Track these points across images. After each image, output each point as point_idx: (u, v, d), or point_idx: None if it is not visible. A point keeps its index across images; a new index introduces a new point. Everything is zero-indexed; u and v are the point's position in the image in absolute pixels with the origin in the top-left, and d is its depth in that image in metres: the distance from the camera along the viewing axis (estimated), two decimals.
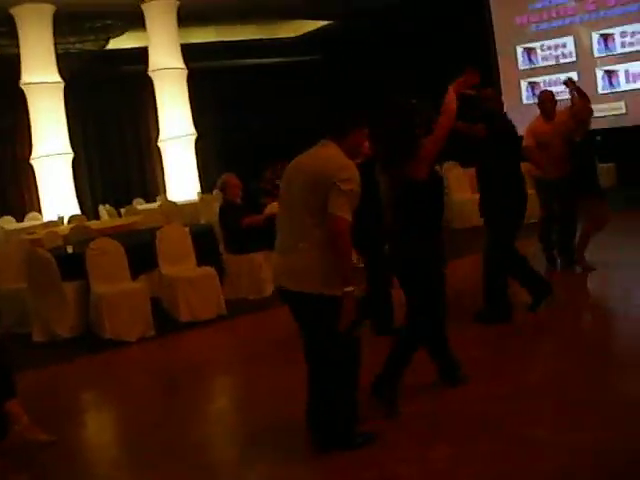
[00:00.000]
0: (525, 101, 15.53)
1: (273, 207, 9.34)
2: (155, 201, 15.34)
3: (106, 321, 7.24)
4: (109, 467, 4.58)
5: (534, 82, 15.38)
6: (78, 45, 15.59)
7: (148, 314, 7.40)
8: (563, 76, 14.79)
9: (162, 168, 16.00)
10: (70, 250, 8.08)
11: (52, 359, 7.00)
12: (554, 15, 14.93)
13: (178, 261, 8.03)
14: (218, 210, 8.88)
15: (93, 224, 11.20)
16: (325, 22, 18.13)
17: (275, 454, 4.27)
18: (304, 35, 18.93)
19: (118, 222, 11.07)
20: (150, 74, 15.37)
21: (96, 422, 5.57)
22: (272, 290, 8.51)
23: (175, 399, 5.59)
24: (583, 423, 4.11)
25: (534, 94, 15.20)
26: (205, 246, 8.49)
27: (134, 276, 7.81)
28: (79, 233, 9.90)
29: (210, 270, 7.90)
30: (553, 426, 4.14)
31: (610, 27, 14.09)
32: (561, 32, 14.86)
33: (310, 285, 3.90)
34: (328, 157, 3.95)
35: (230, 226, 8.55)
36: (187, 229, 8.36)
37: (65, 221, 12.73)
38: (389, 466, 3.91)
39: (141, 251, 8.04)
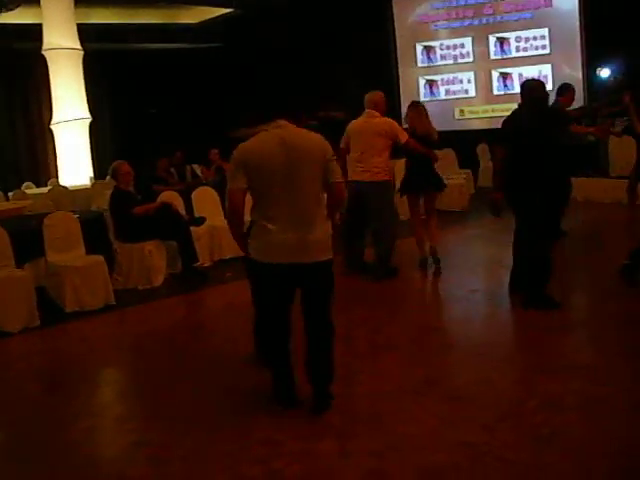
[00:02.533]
0: (422, 98, 15.80)
1: (165, 196, 9.23)
2: (46, 186, 14.84)
3: None
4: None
5: (432, 80, 15.69)
6: None
7: (32, 304, 7.12)
8: (461, 75, 15.23)
9: (55, 152, 15.47)
10: None
11: None
12: (454, 16, 15.26)
13: (66, 249, 7.80)
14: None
15: None
16: (226, 10, 17.90)
17: (159, 451, 4.19)
18: (205, 22, 18.67)
19: (5, 206, 10.63)
20: (44, 53, 14.84)
21: None
22: (162, 280, 8.46)
23: (58, 391, 5.42)
24: (458, 419, 4.22)
25: (432, 92, 15.55)
26: (95, 234, 8.28)
27: (19, 264, 7.52)
28: None
29: (99, 259, 7.70)
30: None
31: (506, 32, 14.53)
32: (460, 33, 15.21)
33: (329, 253, 4.33)
34: (313, 136, 4.31)
35: (121, 214, 8.37)
36: (76, 216, 8.11)
37: None
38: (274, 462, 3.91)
39: (27, 238, 7.74)
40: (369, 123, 7.64)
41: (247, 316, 5.37)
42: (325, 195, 4.41)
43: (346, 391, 4.70)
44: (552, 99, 8.33)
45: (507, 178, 6.29)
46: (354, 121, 7.79)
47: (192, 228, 8.74)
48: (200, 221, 8.92)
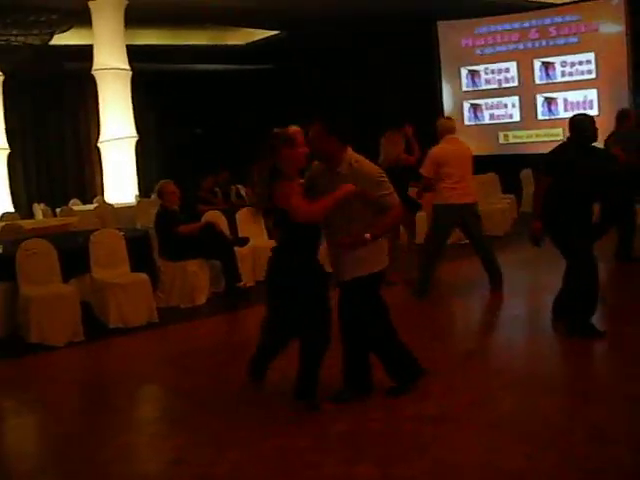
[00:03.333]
0: (467, 122, 15.78)
1: (210, 215, 9.31)
2: (92, 203, 15.07)
3: (33, 324, 7.05)
4: (26, 478, 4.45)
5: (476, 104, 15.65)
6: (20, 38, 15.22)
7: (77, 319, 7.25)
8: (505, 100, 15.19)
9: (101, 170, 15.71)
10: (0, 250, 7.87)
11: None
12: (499, 40, 15.23)
13: (111, 266, 7.91)
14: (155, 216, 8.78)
15: (26, 223, 10.94)
16: (273, 32, 18.09)
17: (198, 469, 4.20)
18: (251, 43, 18.88)
19: (52, 222, 10.84)
20: (94, 73, 15.11)
21: (16, 430, 5.37)
22: (205, 299, 8.53)
23: (99, 407, 5.48)
24: (502, 446, 4.17)
25: (476, 116, 15.51)
26: (140, 251, 8.38)
27: (65, 279, 7.65)
28: (11, 232, 9.68)
29: (143, 276, 7.79)
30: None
31: (551, 56, 14.46)
32: (505, 57, 15.17)
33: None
34: None
35: (166, 232, 8.48)
36: (122, 234, 8.22)
37: None
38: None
39: (74, 254, 7.88)
40: (462, 148, 8.04)
41: None
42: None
43: (389, 415, 4.68)
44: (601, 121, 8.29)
45: (547, 208, 6.26)
46: (441, 147, 7.93)
47: (236, 248, 8.80)
48: (244, 242, 8.97)
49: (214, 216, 9.34)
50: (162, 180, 8.92)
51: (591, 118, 6.37)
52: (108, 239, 8.02)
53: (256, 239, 9.30)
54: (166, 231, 8.45)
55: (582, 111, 13.76)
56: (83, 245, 7.91)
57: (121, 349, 7.06)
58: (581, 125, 6.22)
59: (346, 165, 4.74)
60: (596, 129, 6.27)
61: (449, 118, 8.31)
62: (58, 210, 13.36)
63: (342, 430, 4.52)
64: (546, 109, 14.62)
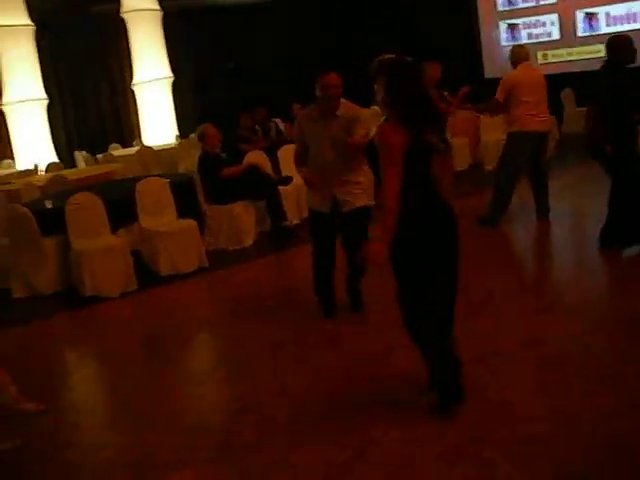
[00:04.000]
0: (504, 43, 15.43)
1: (252, 157, 9.33)
2: (132, 146, 15.16)
3: (87, 278, 7.22)
4: (96, 430, 4.64)
5: (513, 24, 15.27)
6: None
7: (129, 269, 7.40)
8: (543, 18, 14.77)
9: (137, 112, 15.74)
10: (49, 205, 8.00)
11: (33, 316, 7.01)
12: None
13: (158, 214, 8.01)
14: (197, 159, 8.83)
15: (70, 173, 11.08)
16: None
17: (263, 419, 4.33)
18: None
19: (95, 171, 10.94)
20: (123, 15, 15.02)
21: (80, 385, 5.57)
22: (252, 241, 8.62)
23: (159, 358, 5.63)
24: (556, 384, 4.22)
25: (513, 36, 15.15)
26: (185, 197, 8.47)
27: (114, 230, 7.79)
28: (56, 184, 9.83)
29: (190, 222, 7.89)
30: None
31: None
32: None
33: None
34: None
35: (209, 177, 8.53)
36: (166, 181, 8.29)
37: (41, 169, 12.58)
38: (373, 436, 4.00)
39: (121, 204, 8.00)
40: (537, 74, 7.98)
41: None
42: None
43: None
44: None
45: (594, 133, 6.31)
46: (516, 73, 7.82)
47: (280, 187, 8.84)
48: (287, 180, 8.99)
49: (256, 156, 9.36)
50: (202, 124, 8.91)
51: (627, 38, 6.28)
52: (153, 187, 8.11)
53: (299, 177, 9.27)
54: (210, 175, 8.50)
55: (626, 26, 13.45)
56: (129, 194, 8.01)
57: (174, 297, 7.19)
58: (615, 45, 6.23)
59: (343, 109, 5.41)
60: (634, 50, 6.19)
61: (522, 46, 8.21)
62: (99, 156, 13.47)
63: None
64: (587, 25, 14.18)
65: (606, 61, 6.30)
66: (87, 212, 7.57)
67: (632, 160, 6.32)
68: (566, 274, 6.46)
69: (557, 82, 13.55)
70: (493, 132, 11.17)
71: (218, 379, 5.14)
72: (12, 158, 14.28)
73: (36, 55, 14.08)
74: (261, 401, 4.55)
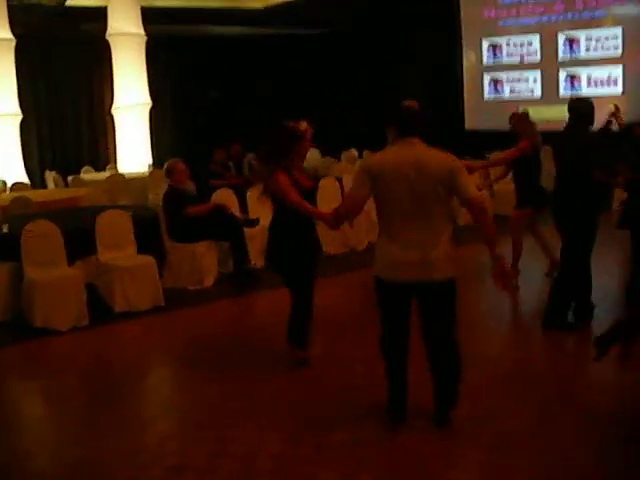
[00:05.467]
0: (486, 96, 15.47)
1: (219, 196, 9.16)
2: (105, 170, 14.93)
3: (37, 308, 7.00)
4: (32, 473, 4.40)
5: (496, 78, 15.31)
6: None
7: (82, 303, 7.18)
8: (527, 74, 14.82)
9: (114, 137, 15.53)
10: (5, 229, 7.77)
11: None
12: (523, 12, 14.82)
13: (117, 247, 7.79)
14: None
15: (36, 195, 10.83)
16: None
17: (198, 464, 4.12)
18: (270, 7, 18.46)
19: (61, 196, 10.70)
20: (108, 38, 14.87)
21: (17, 424, 5.31)
22: (213, 281, 8.42)
23: (103, 400, 5.41)
24: (504, 469, 4.05)
25: (496, 90, 15.19)
26: (147, 232, 8.26)
27: (71, 261, 7.56)
28: (19, 206, 9.59)
29: (149, 259, 7.68)
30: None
31: (576, 29, 14.04)
32: (528, 30, 14.76)
33: (444, 272, 4.28)
34: (435, 152, 4.32)
35: (174, 213, 8.34)
36: (128, 214, 8.07)
37: (8, 187, 12.32)
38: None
39: (80, 235, 7.77)
40: None
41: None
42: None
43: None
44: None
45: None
46: None
47: (246, 229, 8.66)
48: (254, 223, 8.81)
49: (224, 196, 9.19)
50: (171, 159, 8.75)
51: (588, 102, 6.39)
52: (114, 220, 7.89)
53: (267, 219, 9.10)
54: (174, 212, 8.30)
55: (606, 88, 13.53)
56: (90, 225, 7.79)
57: (125, 336, 6.97)
58: (577, 106, 6.29)
59: None
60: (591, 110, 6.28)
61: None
62: (70, 178, 13.23)
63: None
64: (569, 85, 14.24)
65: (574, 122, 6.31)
66: (44, 241, 7.32)
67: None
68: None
69: None
70: None
71: (158, 431, 4.89)
72: None
73: (13, 70, 13.83)
74: (198, 460, 4.34)
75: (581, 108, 6.26)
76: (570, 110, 6.29)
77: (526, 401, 4.96)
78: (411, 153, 4.25)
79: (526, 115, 7.97)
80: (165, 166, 8.79)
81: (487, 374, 5.41)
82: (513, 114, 8.15)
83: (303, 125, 5.59)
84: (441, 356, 4.41)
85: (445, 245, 4.27)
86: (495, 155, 8.30)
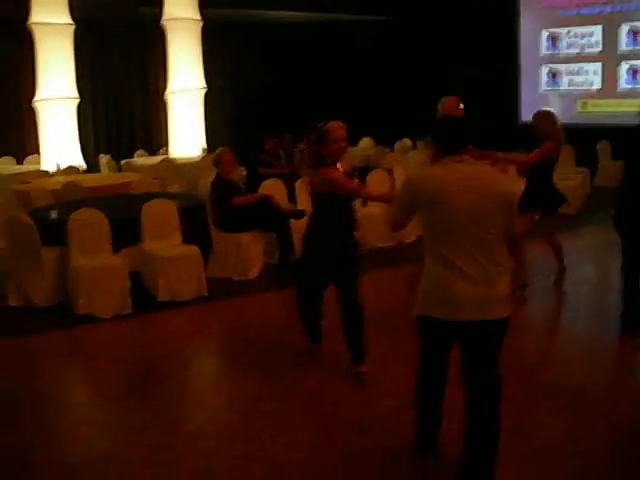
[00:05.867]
0: (544, 87, 15.14)
1: (266, 186, 9.13)
2: (159, 154, 15.05)
3: (81, 295, 7.08)
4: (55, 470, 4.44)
5: (555, 69, 14.96)
6: None
7: (125, 291, 7.23)
8: (586, 66, 14.46)
9: (166, 121, 15.64)
10: (54, 216, 7.86)
11: (21, 329, 6.91)
12: (584, 2, 14.44)
13: (162, 237, 7.83)
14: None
15: (86, 180, 10.95)
16: None
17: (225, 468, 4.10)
18: None
19: (111, 181, 10.82)
20: (163, 23, 14.94)
21: (58, 413, 5.33)
22: (257, 272, 8.40)
23: (143, 391, 5.45)
24: None
25: (554, 81, 14.86)
26: (194, 221, 8.30)
27: (116, 249, 7.62)
28: (70, 191, 9.71)
29: (194, 249, 7.69)
30: None
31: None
32: (589, 21, 14.38)
33: (507, 309, 3.74)
34: (492, 172, 3.89)
35: (220, 203, 8.35)
36: (174, 204, 8.08)
37: (61, 170, 12.49)
38: None
39: (126, 223, 7.83)
40: None
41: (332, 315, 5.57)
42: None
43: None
44: None
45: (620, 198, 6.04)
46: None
47: (292, 221, 8.63)
48: (300, 214, 8.75)
49: (272, 187, 9.15)
50: (220, 149, 8.74)
51: None
52: (160, 209, 7.92)
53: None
54: (221, 202, 8.32)
55: None
56: (136, 214, 7.84)
57: (167, 327, 6.96)
58: None
59: None
60: None
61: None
62: (122, 162, 13.36)
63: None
64: (630, 78, 13.84)
65: None
66: (90, 229, 7.41)
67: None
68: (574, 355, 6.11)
69: (594, 133, 13.30)
70: None
71: (189, 430, 4.86)
72: (38, 154, 14.18)
73: (72, 54, 13.99)
74: (227, 463, 4.32)
75: None
76: None
77: (565, 415, 4.81)
78: (467, 170, 3.70)
79: (552, 114, 7.32)
80: (213, 156, 8.79)
81: (526, 384, 5.28)
82: (537, 112, 7.40)
83: (328, 125, 5.18)
84: (484, 403, 3.80)
85: (508, 277, 3.77)
86: (514, 155, 7.62)
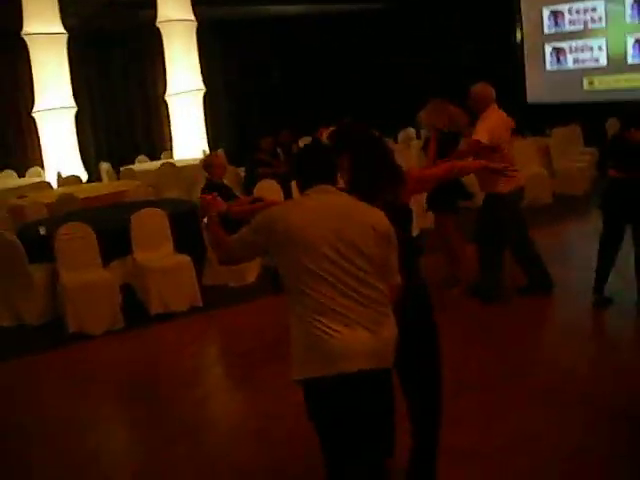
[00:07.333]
0: (548, 67, 14.76)
1: (261, 189, 8.89)
2: (160, 158, 14.85)
3: (70, 313, 6.91)
4: None
5: (559, 48, 14.57)
6: None
7: (116, 306, 7.07)
8: (591, 42, 14.06)
9: (169, 124, 15.46)
10: (43, 232, 7.67)
11: (12, 351, 6.76)
12: None
13: (153, 247, 7.61)
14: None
15: (82, 190, 10.78)
16: None
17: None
18: None
19: (106, 190, 10.63)
20: (158, 25, 14.75)
21: (28, 445, 5.12)
22: (255, 276, 8.17)
23: (125, 417, 5.28)
24: None
25: (558, 61, 14.49)
26: (186, 227, 8.06)
27: (107, 261, 7.43)
28: (64, 203, 9.53)
29: (186, 259, 7.49)
30: None
31: None
32: None
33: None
34: (358, 204, 3.16)
35: None
36: (164, 213, 7.85)
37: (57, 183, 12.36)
38: None
39: (117, 234, 7.63)
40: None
41: None
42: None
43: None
44: None
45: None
46: (499, 113, 6.65)
47: None
48: None
49: (267, 188, 8.90)
50: (208, 154, 8.52)
51: None
52: (150, 219, 7.70)
53: None
54: None
55: None
56: (127, 224, 7.63)
57: (159, 341, 6.80)
58: None
59: None
60: None
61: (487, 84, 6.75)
62: (122, 169, 13.19)
63: None
64: (637, 51, 13.42)
65: None
66: (78, 243, 7.23)
67: None
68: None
69: (602, 111, 12.91)
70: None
71: (179, 453, 4.62)
72: (42, 166, 14.05)
73: (66, 64, 13.83)
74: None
75: None
76: None
77: (570, 420, 4.54)
78: (332, 202, 3.12)
79: (439, 103, 6.88)
80: (203, 160, 8.57)
81: (529, 387, 5.02)
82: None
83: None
84: None
85: (393, 321, 3.10)
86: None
